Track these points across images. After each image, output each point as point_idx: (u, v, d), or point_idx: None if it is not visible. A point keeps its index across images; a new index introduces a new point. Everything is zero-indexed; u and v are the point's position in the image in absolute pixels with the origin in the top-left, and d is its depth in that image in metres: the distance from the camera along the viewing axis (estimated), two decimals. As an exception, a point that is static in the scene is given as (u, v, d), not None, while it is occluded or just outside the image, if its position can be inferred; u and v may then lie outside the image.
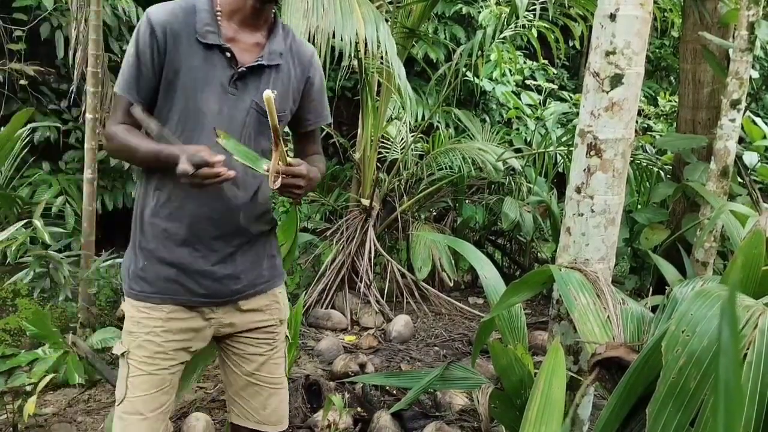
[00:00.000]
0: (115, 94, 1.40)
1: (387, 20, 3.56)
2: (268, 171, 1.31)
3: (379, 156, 4.25)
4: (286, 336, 1.64)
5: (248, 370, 1.55)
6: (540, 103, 6.32)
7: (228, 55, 1.36)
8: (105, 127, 1.44)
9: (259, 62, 1.40)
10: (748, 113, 3.61)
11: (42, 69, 4.74)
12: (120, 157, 1.53)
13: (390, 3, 4.05)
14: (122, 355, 1.43)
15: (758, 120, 3.76)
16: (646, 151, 4.45)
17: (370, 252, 3.83)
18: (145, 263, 1.41)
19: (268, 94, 1.22)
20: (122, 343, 1.45)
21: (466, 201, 4.81)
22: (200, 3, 1.38)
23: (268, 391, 1.57)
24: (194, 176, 1.22)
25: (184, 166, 1.22)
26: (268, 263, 1.55)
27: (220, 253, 1.43)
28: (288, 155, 1.33)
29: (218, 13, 1.38)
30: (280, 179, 1.31)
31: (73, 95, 3.59)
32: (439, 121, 5.81)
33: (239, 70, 1.38)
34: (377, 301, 3.86)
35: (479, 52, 3.93)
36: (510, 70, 6.54)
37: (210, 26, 1.36)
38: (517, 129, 6.04)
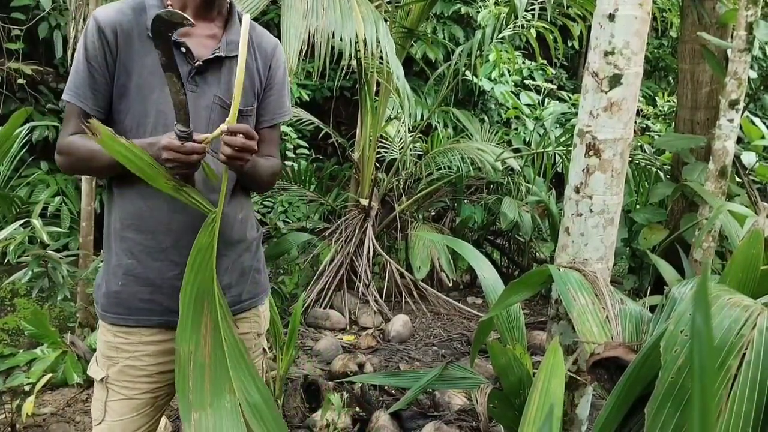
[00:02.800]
0: (67, 103, 1.28)
1: (386, 20, 3.56)
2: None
3: (378, 156, 4.26)
4: (264, 350, 1.57)
5: None
6: (539, 103, 6.33)
7: (183, 50, 1.28)
8: (56, 143, 1.32)
9: (217, 54, 1.32)
10: (746, 113, 3.61)
11: (40, 68, 4.75)
12: (80, 170, 1.39)
13: (389, 3, 4.05)
14: (101, 380, 1.36)
15: (756, 120, 3.78)
16: (645, 151, 4.45)
17: (368, 252, 3.83)
18: (121, 284, 1.33)
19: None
20: (98, 365, 1.38)
21: (465, 201, 4.81)
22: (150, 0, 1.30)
23: None
24: (179, 151, 1.15)
25: (168, 140, 1.16)
26: (253, 279, 1.48)
27: None
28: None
29: (169, 8, 1.28)
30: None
31: (71, 95, 3.58)
32: (437, 121, 5.82)
33: (196, 64, 1.30)
34: (376, 301, 3.86)
35: (478, 52, 3.94)
36: (509, 70, 6.56)
37: None
38: (516, 129, 6.05)
